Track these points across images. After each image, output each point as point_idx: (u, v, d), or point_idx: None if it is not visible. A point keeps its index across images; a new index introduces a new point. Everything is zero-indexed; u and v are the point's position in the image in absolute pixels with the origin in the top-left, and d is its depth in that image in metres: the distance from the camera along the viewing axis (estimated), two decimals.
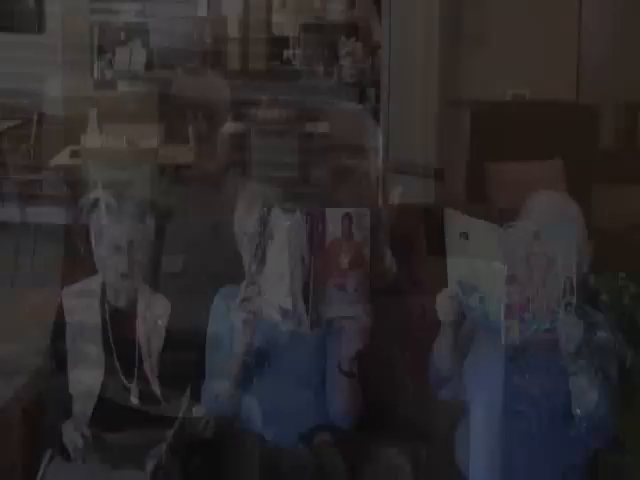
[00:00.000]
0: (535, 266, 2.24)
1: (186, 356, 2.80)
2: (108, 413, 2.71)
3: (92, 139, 6.31)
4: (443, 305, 2.46)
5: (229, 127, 8.48)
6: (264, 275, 2.54)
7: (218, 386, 2.72)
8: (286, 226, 2.50)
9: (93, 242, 2.81)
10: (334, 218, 2.51)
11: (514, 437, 2.47)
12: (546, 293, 2.26)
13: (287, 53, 14.89)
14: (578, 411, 2.36)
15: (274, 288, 2.54)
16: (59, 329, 2.82)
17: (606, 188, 5.26)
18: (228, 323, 2.81)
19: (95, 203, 2.84)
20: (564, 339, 2.26)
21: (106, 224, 2.75)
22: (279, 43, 14.33)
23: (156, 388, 2.76)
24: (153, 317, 2.81)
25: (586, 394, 2.33)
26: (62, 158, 6.67)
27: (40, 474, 2.68)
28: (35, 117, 8.09)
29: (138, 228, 2.77)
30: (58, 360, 2.79)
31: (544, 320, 2.26)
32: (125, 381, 2.75)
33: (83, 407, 2.73)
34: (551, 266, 2.24)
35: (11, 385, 4.26)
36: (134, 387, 2.75)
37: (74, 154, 6.41)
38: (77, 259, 3.11)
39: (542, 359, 2.47)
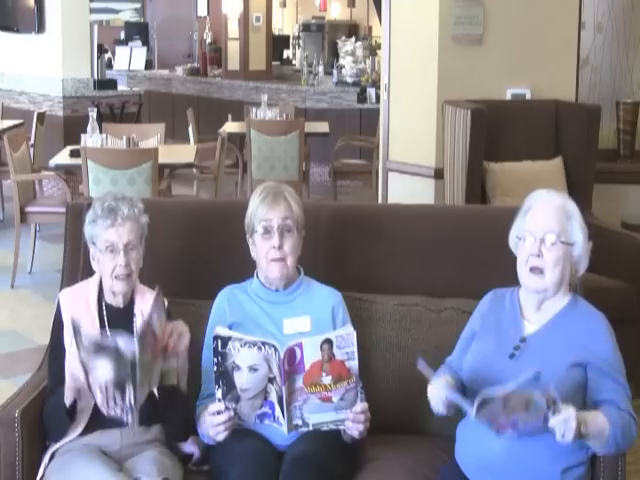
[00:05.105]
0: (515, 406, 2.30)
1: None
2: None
3: (92, 139, 6.29)
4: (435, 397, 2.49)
5: (229, 127, 8.48)
6: (236, 395, 2.54)
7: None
8: (250, 363, 2.49)
9: (89, 244, 2.80)
10: (311, 346, 2.48)
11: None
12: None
13: (287, 53, 14.93)
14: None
15: (249, 402, 2.55)
16: (57, 331, 2.80)
17: (606, 188, 5.27)
18: (227, 323, 2.81)
19: (89, 205, 2.83)
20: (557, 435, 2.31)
21: (102, 227, 2.74)
22: (279, 43, 14.36)
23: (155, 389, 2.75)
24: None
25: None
26: (62, 158, 6.67)
27: (40, 474, 2.68)
28: (35, 117, 8.09)
29: (134, 229, 2.75)
30: (57, 361, 2.78)
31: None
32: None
33: (83, 407, 2.72)
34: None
35: (11, 385, 4.27)
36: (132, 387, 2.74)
37: (74, 154, 6.41)
38: (77, 259, 3.11)
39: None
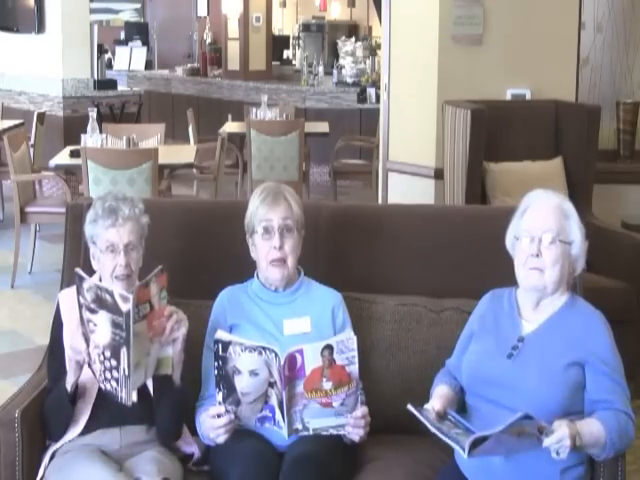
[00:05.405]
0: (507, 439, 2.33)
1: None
2: (106, 412, 2.70)
3: (92, 139, 6.29)
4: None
5: (229, 127, 8.48)
6: (236, 398, 2.55)
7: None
8: (251, 368, 2.49)
9: (89, 243, 2.81)
10: (312, 352, 2.48)
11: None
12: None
13: (287, 53, 14.92)
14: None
15: (249, 406, 2.55)
16: (57, 330, 2.81)
17: (606, 188, 5.27)
18: (227, 324, 2.81)
19: (91, 206, 2.83)
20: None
21: (102, 227, 2.75)
22: (279, 43, 14.36)
23: (151, 386, 2.75)
24: None
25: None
26: (62, 158, 6.67)
27: (40, 475, 2.68)
28: (35, 117, 8.09)
29: (134, 229, 2.76)
30: (57, 360, 2.78)
31: None
32: None
33: (82, 406, 2.72)
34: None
35: (11, 385, 4.27)
36: None
37: (74, 154, 6.41)
38: (77, 259, 3.11)
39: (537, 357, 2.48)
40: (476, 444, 2.29)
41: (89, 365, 2.58)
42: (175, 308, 2.65)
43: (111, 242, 2.73)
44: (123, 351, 2.47)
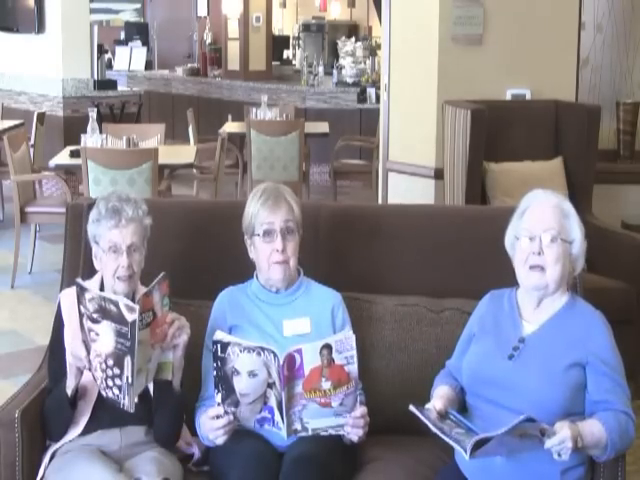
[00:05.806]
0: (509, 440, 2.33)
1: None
2: (107, 412, 2.69)
3: (92, 139, 6.29)
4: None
5: (229, 127, 8.47)
6: (235, 399, 2.54)
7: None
8: (250, 369, 2.49)
9: (92, 242, 2.81)
10: (311, 352, 2.47)
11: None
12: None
13: (287, 53, 14.92)
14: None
15: (248, 407, 2.55)
16: (58, 330, 2.81)
17: (606, 188, 5.27)
18: (227, 324, 2.81)
19: (91, 206, 2.83)
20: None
21: (105, 227, 2.74)
22: (279, 43, 14.35)
23: (151, 387, 2.75)
24: None
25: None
26: (62, 158, 6.67)
27: (40, 475, 2.68)
28: (35, 117, 8.08)
29: (137, 231, 2.75)
30: (57, 360, 2.78)
31: None
32: None
33: (82, 407, 2.72)
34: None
35: (11, 385, 4.27)
36: None
37: (74, 154, 6.41)
38: (77, 259, 3.11)
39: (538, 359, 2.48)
40: (478, 445, 2.29)
41: (90, 370, 2.58)
42: (177, 315, 2.65)
43: (114, 243, 2.73)
44: (127, 360, 2.47)
